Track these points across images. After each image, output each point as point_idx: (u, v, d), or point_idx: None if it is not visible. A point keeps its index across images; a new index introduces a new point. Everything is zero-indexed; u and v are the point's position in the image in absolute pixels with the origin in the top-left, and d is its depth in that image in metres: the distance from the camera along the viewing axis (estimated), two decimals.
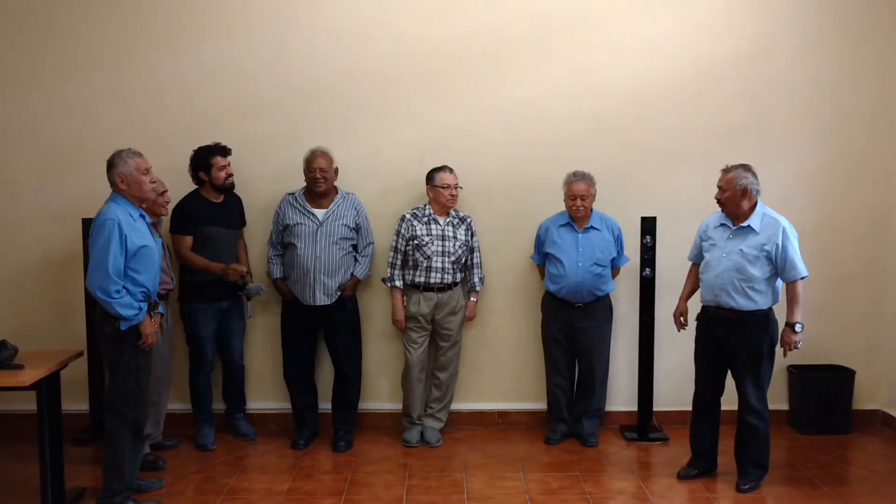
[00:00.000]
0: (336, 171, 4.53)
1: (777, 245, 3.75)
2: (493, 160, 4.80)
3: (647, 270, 4.63)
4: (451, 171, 4.54)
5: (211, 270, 4.39)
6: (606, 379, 4.70)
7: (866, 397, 4.92)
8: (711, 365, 4.00)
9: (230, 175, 4.48)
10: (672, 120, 4.80)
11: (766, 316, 3.85)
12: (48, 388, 3.60)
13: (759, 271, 3.78)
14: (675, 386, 4.78)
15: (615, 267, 4.65)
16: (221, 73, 4.73)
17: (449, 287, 4.57)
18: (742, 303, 3.80)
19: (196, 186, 4.52)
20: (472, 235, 4.63)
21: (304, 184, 4.55)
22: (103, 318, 3.51)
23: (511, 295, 4.89)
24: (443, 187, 4.51)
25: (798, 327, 3.79)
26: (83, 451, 4.43)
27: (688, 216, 4.58)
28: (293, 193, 4.57)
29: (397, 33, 4.73)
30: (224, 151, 4.48)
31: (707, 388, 4.04)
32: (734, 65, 4.77)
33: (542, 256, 4.64)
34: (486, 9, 4.74)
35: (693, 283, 4.17)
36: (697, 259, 4.13)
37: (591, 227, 4.53)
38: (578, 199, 4.43)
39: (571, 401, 4.70)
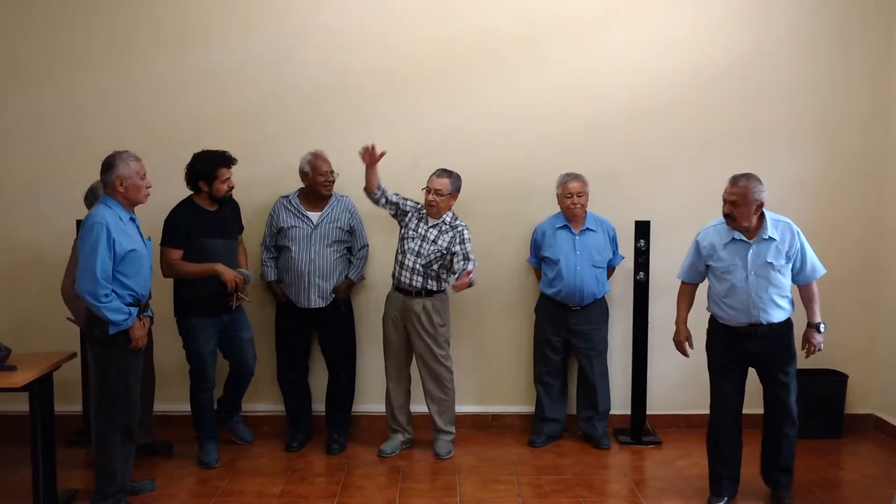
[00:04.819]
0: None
1: (797, 248, 3.66)
2: (487, 164, 4.80)
3: (641, 274, 4.64)
4: (439, 174, 4.38)
5: (205, 273, 4.14)
6: (608, 379, 4.70)
7: (859, 401, 4.93)
8: (739, 385, 3.78)
9: (231, 187, 4.23)
10: (667, 124, 4.81)
11: (791, 322, 3.75)
12: (41, 389, 3.60)
13: (787, 279, 3.67)
14: (669, 390, 4.80)
15: (611, 266, 4.66)
16: (217, 76, 4.74)
17: (415, 293, 4.36)
18: (776, 314, 3.64)
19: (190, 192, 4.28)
20: (460, 243, 4.32)
21: (299, 186, 4.55)
22: (92, 322, 3.50)
23: (505, 298, 4.90)
24: (425, 190, 4.42)
25: (822, 327, 3.69)
26: (76, 453, 4.42)
27: (682, 220, 4.61)
28: (287, 196, 4.56)
29: (393, 37, 4.75)
30: (230, 161, 4.19)
31: (735, 408, 3.78)
32: (729, 70, 4.78)
33: (539, 260, 4.64)
34: (482, 13, 4.75)
35: (689, 303, 3.90)
36: (694, 279, 3.87)
37: (588, 229, 4.54)
38: (575, 197, 4.44)
39: (557, 402, 4.70)
